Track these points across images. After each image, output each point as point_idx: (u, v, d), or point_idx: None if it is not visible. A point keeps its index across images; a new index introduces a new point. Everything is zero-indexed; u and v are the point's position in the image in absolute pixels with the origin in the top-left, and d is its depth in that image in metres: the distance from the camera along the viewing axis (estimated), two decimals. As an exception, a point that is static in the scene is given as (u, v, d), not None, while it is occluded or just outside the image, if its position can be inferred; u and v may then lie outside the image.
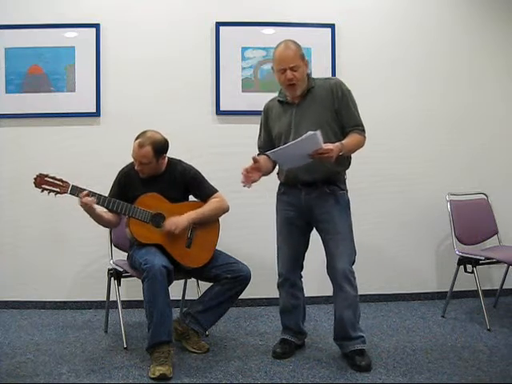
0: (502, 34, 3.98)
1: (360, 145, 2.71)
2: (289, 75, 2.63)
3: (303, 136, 2.46)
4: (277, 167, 2.83)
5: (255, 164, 2.63)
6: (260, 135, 2.92)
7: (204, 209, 2.94)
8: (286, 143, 2.66)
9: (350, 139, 2.65)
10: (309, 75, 2.76)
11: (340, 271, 2.67)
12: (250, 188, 2.63)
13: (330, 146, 2.51)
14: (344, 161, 2.73)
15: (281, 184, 2.88)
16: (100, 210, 2.84)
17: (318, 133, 2.44)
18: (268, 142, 2.85)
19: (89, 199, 2.74)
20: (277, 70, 2.68)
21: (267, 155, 2.66)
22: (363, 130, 2.72)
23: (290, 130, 2.71)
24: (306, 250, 2.88)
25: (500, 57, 4.00)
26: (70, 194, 2.76)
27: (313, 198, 2.72)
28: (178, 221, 2.84)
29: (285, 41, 2.70)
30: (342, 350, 2.78)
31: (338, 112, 2.69)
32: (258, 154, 2.84)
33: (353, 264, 2.73)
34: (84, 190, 2.76)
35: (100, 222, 2.91)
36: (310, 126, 2.61)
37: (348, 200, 2.78)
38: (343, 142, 2.61)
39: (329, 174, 2.70)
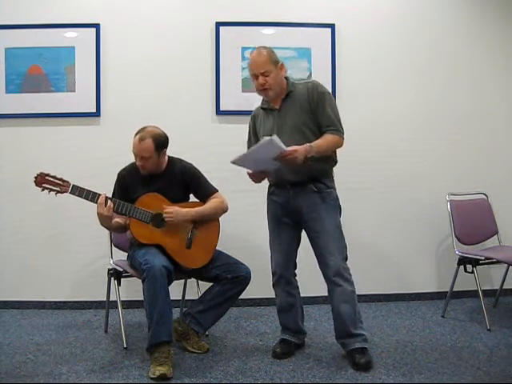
0: (502, 33, 3.99)
1: (335, 145, 2.72)
2: (260, 81, 2.70)
3: (259, 142, 2.53)
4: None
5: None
6: (249, 140, 2.94)
7: (203, 208, 2.94)
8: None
9: (322, 140, 2.67)
10: (288, 79, 2.79)
11: (333, 268, 2.68)
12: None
13: (294, 148, 2.54)
14: (327, 159, 2.74)
15: (270, 184, 2.91)
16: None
17: (275, 137, 2.48)
18: None
19: (110, 203, 2.75)
20: (251, 76, 2.76)
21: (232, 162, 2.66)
22: (337, 130, 2.71)
23: (272, 134, 2.68)
24: (297, 248, 2.90)
25: (500, 57, 4.00)
26: (71, 193, 2.75)
27: (300, 198, 2.74)
28: (178, 210, 2.85)
29: (258, 47, 2.76)
30: (344, 348, 2.77)
31: (314, 113, 2.71)
32: None
33: (346, 260, 2.74)
34: (85, 189, 2.76)
35: (114, 228, 2.93)
36: (290, 129, 2.69)
37: (336, 197, 2.79)
38: (313, 143, 2.62)
39: (315, 173, 2.72)
